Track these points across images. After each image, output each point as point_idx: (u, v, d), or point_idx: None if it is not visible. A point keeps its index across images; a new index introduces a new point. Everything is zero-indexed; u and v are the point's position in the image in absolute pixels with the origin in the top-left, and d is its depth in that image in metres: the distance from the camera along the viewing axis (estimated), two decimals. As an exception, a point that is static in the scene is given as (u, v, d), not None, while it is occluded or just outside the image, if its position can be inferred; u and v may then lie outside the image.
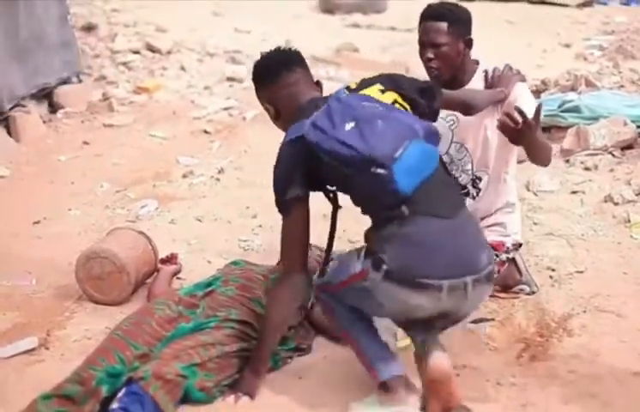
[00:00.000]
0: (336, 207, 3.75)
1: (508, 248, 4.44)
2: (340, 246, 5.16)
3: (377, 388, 3.50)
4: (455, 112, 4.27)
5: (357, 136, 3.36)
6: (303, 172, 3.58)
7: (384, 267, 3.30)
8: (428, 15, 4.29)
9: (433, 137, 3.51)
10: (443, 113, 4.09)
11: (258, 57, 3.91)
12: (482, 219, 4.41)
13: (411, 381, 3.50)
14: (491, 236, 4.34)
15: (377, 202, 3.43)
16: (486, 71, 4.38)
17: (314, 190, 3.68)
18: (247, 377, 3.63)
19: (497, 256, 4.34)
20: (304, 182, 3.59)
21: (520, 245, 4.53)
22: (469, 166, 4.41)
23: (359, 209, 3.60)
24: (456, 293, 3.31)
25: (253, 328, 3.79)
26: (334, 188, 3.71)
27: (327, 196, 3.74)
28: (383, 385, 3.48)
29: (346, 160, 3.37)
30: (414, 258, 3.32)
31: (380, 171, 3.30)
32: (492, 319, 4.29)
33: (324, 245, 3.89)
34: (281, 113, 3.83)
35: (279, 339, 3.74)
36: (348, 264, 3.53)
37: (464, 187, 4.42)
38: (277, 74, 3.79)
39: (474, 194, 4.43)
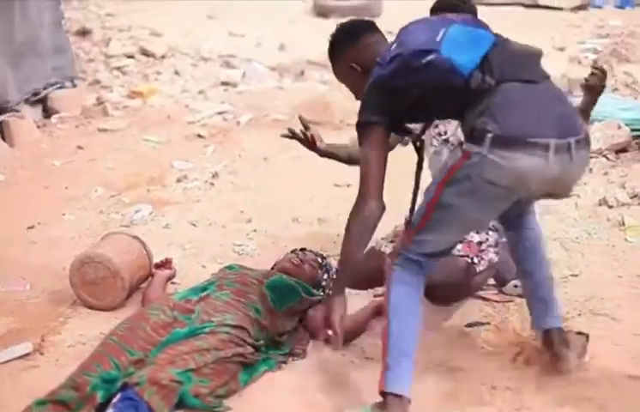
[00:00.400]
0: (421, 158, 3.74)
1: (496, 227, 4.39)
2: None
3: (378, 394, 3.43)
4: None
5: (397, 45, 3.48)
6: (385, 106, 3.53)
7: (489, 135, 3.23)
8: (443, 7, 4.29)
9: (474, 22, 3.61)
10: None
11: (338, 27, 3.99)
12: None
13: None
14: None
15: (451, 94, 3.40)
16: None
17: (399, 134, 3.83)
18: (329, 304, 3.61)
19: (500, 236, 4.37)
20: (386, 114, 3.54)
21: None
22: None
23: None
24: (562, 156, 3.24)
25: (248, 333, 3.79)
26: (416, 127, 3.74)
27: (413, 144, 3.76)
28: (382, 395, 3.41)
29: (398, 71, 3.42)
30: (516, 119, 3.26)
31: (431, 57, 3.33)
32: (488, 323, 4.29)
33: (321, 250, 3.88)
34: (369, 66, 3.72)
35: (355, 266, 3.63)
36: (442, 169, 3.48)
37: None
38: (364, 32, 3.88)
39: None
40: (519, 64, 3.42)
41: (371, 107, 3.55)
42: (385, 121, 3.54)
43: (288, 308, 4.09)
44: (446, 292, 4.22)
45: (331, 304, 3.59)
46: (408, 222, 3.61)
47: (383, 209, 3.50)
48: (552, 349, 3.75)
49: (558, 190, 3.45)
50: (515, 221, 3.84)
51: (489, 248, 4.36)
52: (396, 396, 3.39)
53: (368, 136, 3.54)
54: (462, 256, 4.29)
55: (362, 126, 3.56)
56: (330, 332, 3.54)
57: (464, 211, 3.41)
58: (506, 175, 3.26)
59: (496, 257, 4.40)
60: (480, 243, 4.33)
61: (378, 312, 4.27)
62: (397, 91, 3.48)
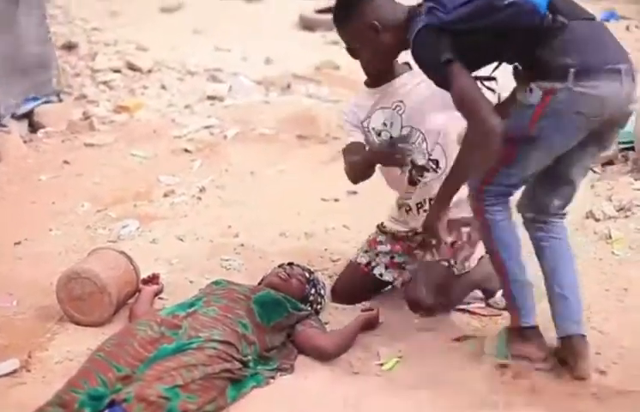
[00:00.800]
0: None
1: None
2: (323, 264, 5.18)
3: (513, 328, 3.94)
4: (402, 98, 4.34)
5: None
6: (447, 45, 3.64)
7: (572, 70, 3.50)
8: None
9: None
10: (389, 102, 4.34)
11: None
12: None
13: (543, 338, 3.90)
14: (462, 212, 4.31)
15: (524, 34, 3.61)
16: None
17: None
18: (432, 211, 3.93)
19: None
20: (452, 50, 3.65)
21: None
22: (424, 146, 4.38)
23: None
24: (628, 79, 3.58)
25: (236, 348, 3.78)
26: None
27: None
28: (519, 330, 3.89)
29: (472, 14, 3.58)
30: (591, 51, 3.57)
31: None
32: (474, 337, 4.29)
33: (309, 264, 3.88)
34: (389, 23, 4.01)
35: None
36: (522, 112, 3.68)
37: (422, 167, 4.31)
38: None
39: (434, 168, 4.40)
40: (575, 5, 3.75)
41: (441, 48, 3.64)
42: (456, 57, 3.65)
43: (276, 323, 4.09)
44: (429, 300, 4.24)
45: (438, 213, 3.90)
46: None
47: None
48: (572, 355, 3.86)
49: (623, 114, 3.78)
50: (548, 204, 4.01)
51: (463, 244, 4.40)
52: (531, 327, 3.88)
53: (452, 71, 3.62)
54: (439, 260, 4.31)
55: (443, 68, 3.64)
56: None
57: (551, 143, 3.68)
58: (592, 103, 3.56)
59: (469, 248, 4.44)
60: (453, 243, 4.36)
61: (366, 326, 4.30)
62: (457, 35, 3.63)
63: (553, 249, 4.03)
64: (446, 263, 4.34)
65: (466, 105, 3.61)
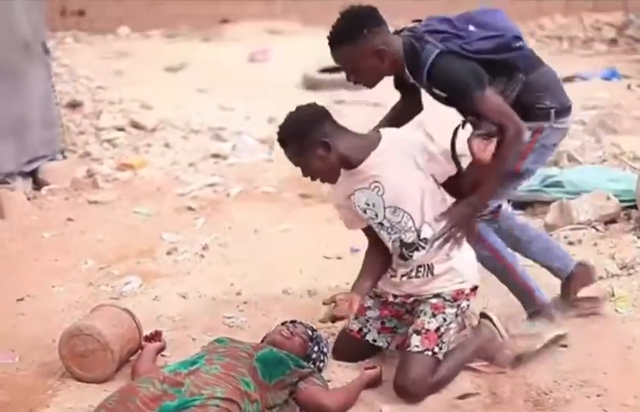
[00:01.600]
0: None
1: (466, 293, 4.46)
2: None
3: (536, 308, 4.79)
4: (377, 179, 4.33)
5: (479, 26, 4.40)
6: (477, 68, 4.29)
7: (552, 110, 4.50)
8: None
9: None
10: (366, 183, 4.33)
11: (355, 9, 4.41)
12: (430, 268, 4.42)
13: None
14: (448, 286, 4.41)
15: (510, 72, 4.44)
16: None
17: None
18: (470, 208, 4.40)
19: (458, 306, 4.41)
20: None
21: (476, 287, 4.53)
22: (411, 225, 4.37)
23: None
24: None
25: (238, 406, 3.77)
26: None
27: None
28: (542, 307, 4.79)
29: (490, 47, 4.34)
30: (560, 93, 4.63)
31: (521, 43, 4.50)
32: (478, 394, 4.28)
33: (312, 322, 3.87)
34: (392, 50, 4.38)
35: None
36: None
37: (411, 245, 4.38)
38: (382, 18, 4.40)
39: (424, 246, 4.40)
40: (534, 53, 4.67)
41: (473, 69, 4.28)
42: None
43: (278, 381, 4.08)
44: (414, 390, 4.22)
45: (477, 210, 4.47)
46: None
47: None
48: (582, 282, 4.96)
49: None
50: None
51: (448, 329, 4.38)
52: (548, 304, 4.81)
53: (487, 91, 4.24)
54: (422, 351, 4.28)
55: (477, 88, 4.22)
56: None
57: (532, 173, 4.74)
58: (563, 135, 4.68)
59: (456, 327, 4.45)
60: (437, 329, 4.34)
61: (369, 383, 4.28)
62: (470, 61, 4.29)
63: (515, 227, 4.97)
64: (430, 353, 4.30)
65: (504, 116, 4.21)
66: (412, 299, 4.53)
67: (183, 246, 6.92)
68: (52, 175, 8.92)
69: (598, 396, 4.16)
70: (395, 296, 4.61)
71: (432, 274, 4.42)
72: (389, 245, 4.44)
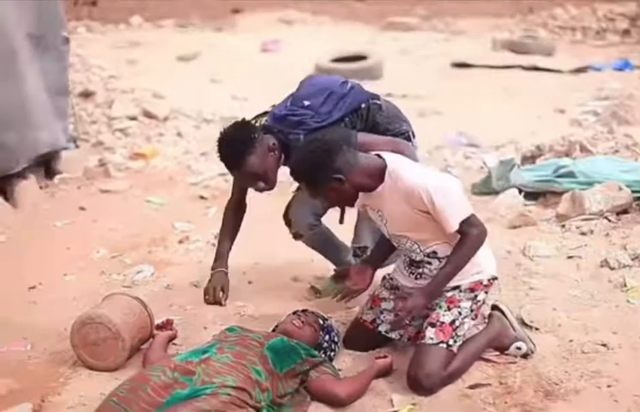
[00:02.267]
0: None
1: (485, 284, 4.46)
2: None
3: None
4: (380, 209, 4.47)
5: (315, 95, 5.11)
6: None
7: (410, 133, 5.25)
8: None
9: None
10: (375, 208, 4.50)
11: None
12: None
13: None
14: (466, 278, 4.43)
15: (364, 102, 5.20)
16: None
17: None
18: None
19: (474, 297, 4.41)
20: None
21: (495, 278, 4.55)
22: (416, 248, 4.46)
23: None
24: None
25: (249, 395, 3.78)
26: None
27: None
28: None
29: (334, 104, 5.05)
30: (402, 117, 5.31)
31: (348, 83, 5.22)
32: (489, 384, 4.27)
33: (322, 310, 3.86)
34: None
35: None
36: None
37: (420, 262, 4.50)
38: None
39: (437, 264, 4.46)
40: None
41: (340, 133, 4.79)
42: None
43: (289, 370, 4.08)
44: (428, 384, 4.21)
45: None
46: None
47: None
48: None
49: None
50: None
51: (463, 322, 4.38)
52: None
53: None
54: (437, 343, 4.29)
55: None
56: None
57: None
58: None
59: (472, 322, 4.42)
60: (452, 322, 4.35)
61: (380, 373, 4.28)
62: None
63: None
64: (444, 346, 4.31)
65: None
66: None
67: (195, 235, 6.93)
68: (65, 164, 8.95)
69: (609, 386, 4.15)
70: (410, 288, 4.62)
71: None
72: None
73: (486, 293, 4.48)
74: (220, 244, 5.37)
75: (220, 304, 5.20)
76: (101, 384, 4.28)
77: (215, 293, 5.22)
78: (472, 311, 4.39)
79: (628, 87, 12.14)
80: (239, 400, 3.71)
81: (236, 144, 4.83)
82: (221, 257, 5.35)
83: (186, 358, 3.94)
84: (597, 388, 4.15)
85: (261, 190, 4.96)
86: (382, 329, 4.67)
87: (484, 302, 4.48)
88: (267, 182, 4.95)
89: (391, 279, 4.73)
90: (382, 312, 4.69)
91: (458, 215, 4.25)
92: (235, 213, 5.44)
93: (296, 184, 5.28)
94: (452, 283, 4.41)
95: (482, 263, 4.46)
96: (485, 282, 4.46)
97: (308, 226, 5.28)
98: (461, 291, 4.40)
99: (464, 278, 4.41)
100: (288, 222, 5.42)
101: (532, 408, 3.98)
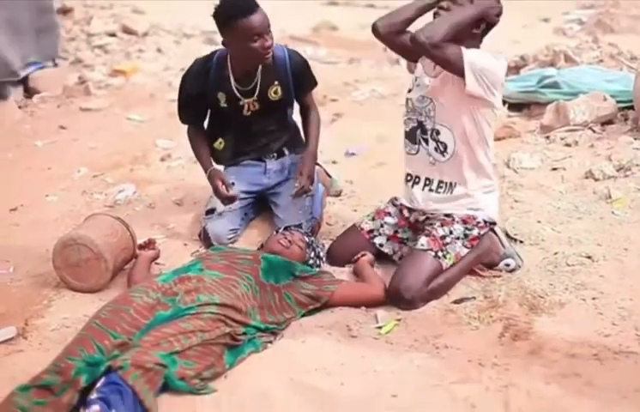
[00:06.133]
0: None
1: (479, 222, 4.45)
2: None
3: None
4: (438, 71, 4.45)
5: None
6: None
7: None
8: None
9: None
10: (429, 66, 4.48)
11: None
12: (452, 187, 4.49)
13: None
14: (461, 210, 4.46)
15: None
16: None
17: None
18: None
19: (468, 230, 4.41)
20: None
21: (494, 223, 4.53)
22: (432, 115, 4.45)
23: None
24: None
25: (237, 311, 3.77)
26: None
27: None
28: None
29: None
30: None
31: None
32: (474, 298, 4.27)
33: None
34: None
35: None
36: None
37: (430, 130, 4.48)
38: None
39: (440, 148, 4.46)
40: None
41: None
42: None
43: (286, 285, 4.13)
44: (407, 295, 4.21)
45: None
46: None
47: None
48: None
49: None
50: None
51: (454, 241, 4.38)
52: None
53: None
54: (426, 250, 4.29)
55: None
56: None
57: None
58: None
59: (465, 249, 4.41)
60: (443, 237, 4.37)
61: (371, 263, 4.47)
62: None
63: None
64: (432, 254, 4.31)
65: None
66: (424, 216, 4.57)
67: (176, 153, 6.88)
68: (44, 83, 8.87)
69: (593, 299, 4.15)
70: (409, 211, 4.63)
71: (451, 192, 4.48)
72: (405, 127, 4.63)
73: (480, 232, 4.46)
74: (199, 155, 5.22)
75: (233, 197, 5.00)
76: (85, 305, 4.26)
77: (222, 191, 4.96)
78: (465, 237, 4.40)
79: (613, -5, 12.03)
80: (225, 317, 3.69)
81: None
82: (205, 162, 5.17)
83: (169, 278, 3.91)
84: (582, 300, 4.15)
85: (269, 47, 4.83)
86: (377, 241, 4.69)
87: (479, 238, 4.46)
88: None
89: (397, 199, 4.76)
90: (382, 226, 4.71)
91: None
92: (198, 133, 5.30)
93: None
94: (446, 211, 4.45)
95: (480, 202, 4.48)
96: (478, 220, 4.46)
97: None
98: (454, 220, 4.42)
99: (457, 209, 4.45)
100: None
101: (517, 321, 3.97)
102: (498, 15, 4.40)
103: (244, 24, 4.70)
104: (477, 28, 4.35)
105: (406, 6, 4.48)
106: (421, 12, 4.45)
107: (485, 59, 4.25)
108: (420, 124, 4.50)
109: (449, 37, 4.15)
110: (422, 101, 4.48)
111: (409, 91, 4.62)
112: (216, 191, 4.97)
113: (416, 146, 4.54)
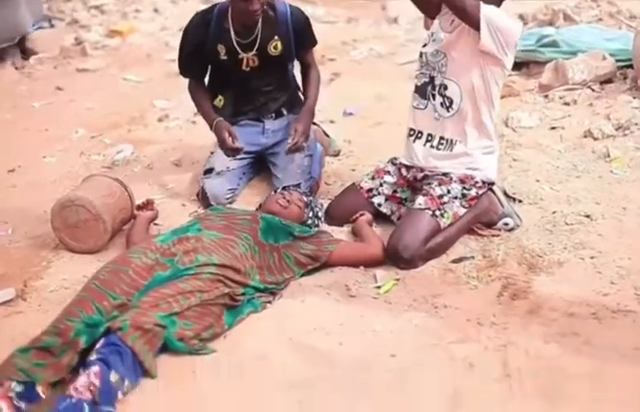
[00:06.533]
0: None
1: (477, 182, 4.45)
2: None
3: None
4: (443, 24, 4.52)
5: None
6: None
7: None
8: None
9: None
10: (447, 21, 4.50)
11: None
12: (452, 144, 4.50)
13: None
14: (459, 169, 4.47)
15: None
16: None
17: None
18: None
19: (466, 189, 4.42)
20: None
21: (492, 183, 4.53)
22: (445, 69, 4.46)
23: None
24: None
25: (236, 271, 3.77)
26: None
27: None
28: None
29: None
30: None
31: None
32: (472, 257, 4.27)
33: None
34: None
35: None
36: None
37: (439, 85, 4.50)
38: None
39: (446, 103, 4.48)
40: None
41: None
42: None
43: (285, 244, 4.13)
44: (406, 254, 4.21)
45: None
46: None
47: None
48: None
49: None
50: None
51: (452, 200, 4.37)
52: None
53: None
54: (424, 209, 4.30)
55: None
56: None
57: None
58: None
59: (463, 209, 4.40)
60: (440, 196, 4.37)
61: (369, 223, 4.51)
62: None
63: None
64: (430, 212, 4.31)
65: None
66: (422, 174, 4.56)
67: (174, 113, 6.86)
68: (40, 44, 8.83)
69: (592, 258, 4.15)
70: (407, 169, 4.63)
71: (451, 150, 4.48)
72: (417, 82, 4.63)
73: (477, 191, 4.46)
74: (202, 108, 5.21)
75: (238, 149, 4.98)
76: (83, 266, 4.26)
77: (227, 142, 4.93)
78: (463, 197, 4.40)
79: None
80: (223, 277, 3.69)
81: None
82: (210, 114, 5.15)
83: (167, 239, 3.91)
84: (580, 259, 4.15)
85: (256, 11, 4.83)
86: (375, 200, 4.68)
87: (477, 198, 4.46)
88: None
89: (396, 158, 4.77)
90: (381, 185, 4.71)
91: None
92: (199, 87, 5.30)
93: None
94: (444, 169, 4.46)
95: (479, 162, 4.49)
96: (476, 180, 4.46)
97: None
98: (451, 179, 4.42)
99: (456, 168, 4.46)
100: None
101: (515, 280, 3.97)
102: None
103: None
104: None
105: None
106: None
107: (501, 18, 4.27)
108: (432, 79, 4.52)
109: None
110: (436, 55, 4.49)
111: (424, 45, 4.63)
112: (223, 142, 4.95)
113: (425, 101, 4.56)
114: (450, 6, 4.29)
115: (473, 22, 4.21)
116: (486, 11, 4.18)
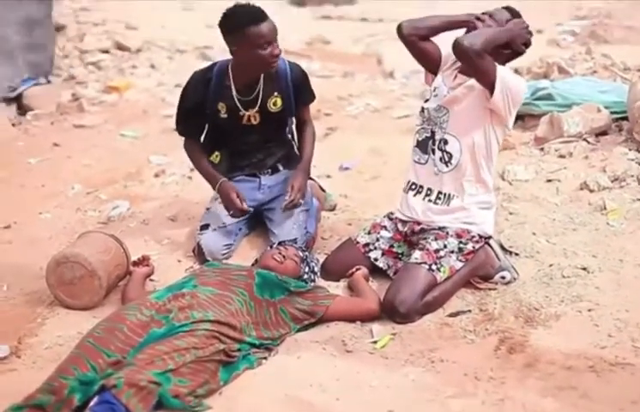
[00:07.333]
0: None
1: (473, 236, 4.46)
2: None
3: None
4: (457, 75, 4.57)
5: None
6: None
7: None
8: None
9: None
10: (450, 73, 4.59)
11: None
12: (449, 199, 4.52)
13: None
14: (455, 224, 4.47)
15: None
16: None
17: None
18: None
19: (463, 244, 4.41)
20: None
21: (489, 237, 4.53)
22: (445, 125, 4.50)
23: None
24: None
25: (232, 327, 3.75)
26: None
27: None
28: None
29: None
30: None
31: None
32: (469, 311, 4.26)
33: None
34: None
35: None
36: None
37: (440, 140, 4.52)
38: None
39: (445, 158, 4.51)
40: None
41: None
42: None
43: (282, 299, 4.12)
44: (403, 309, 4.20)
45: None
46: None
47: None
48: None
49: None
50: None
51: (449, 254, 4.37)
52: None
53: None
54: (420, 263, 4.29)
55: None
56: None
57: None
58: None
59: (459, 263, 4.40)
60: (437, 250, 4.38)
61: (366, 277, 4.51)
62: None
63: None
64: (426, 267, 4.31)
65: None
66: (419, 227, 4.57)
67: (170, 169, 6.87)
68: (37, 100, 8.86)
69: (589, 310, 4.14)
70: (404, 223, 4.65)
71: (448, 205, 4.51)
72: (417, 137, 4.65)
73: (474, 245, 4.46)
74: (202, 168, 5.19)
75: (246, 211, 5.00)
76: (78, 323, 4.23)
77: (236, 203, 4.93)
78: (459, 251, 4.40)
79: (606, 6, 12.07)
80: (219, 333, 3.68)
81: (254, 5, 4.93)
82: (214, 174, 5.13)
83: (162, 296, 3.89)
84: (578, 312, 4.14)
85: (278, 55, 4.92)
86: (372, 255, 4.69)
87: (474, 252, 4.46)
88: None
89: (392, 213, 4.78)
90: (378, 240, 4.72)
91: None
92: (197, 146, 5.28)
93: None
94: (440, 224, 4.47)
95: (476, 217, 4.50)
96: (473, 234, 4.47)
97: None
98: (448, 234, 4.43)
99: (452, 223, 4.47)
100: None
101: (512, 334, 3.97)
102: (525, 45, 4.57)
103: (255, 31, 4.77)
104: (503, 51, 4.45)
105: (434, 16, 4.64)
106: (448, 26, 4.61)
107: (513, 77, 4.40)
108: (432, 134, 4.55)
109: (486, 49, 4.24)
110: (438, 111, 4.53)
111: (426, 101, 4.68)
112: (231, 204, 4.93)
113: (426, 156, 4.59)
114: (471, 64, 4.32)
115: (489, 82, 4.28)
116: (502, 71, 4.27)
